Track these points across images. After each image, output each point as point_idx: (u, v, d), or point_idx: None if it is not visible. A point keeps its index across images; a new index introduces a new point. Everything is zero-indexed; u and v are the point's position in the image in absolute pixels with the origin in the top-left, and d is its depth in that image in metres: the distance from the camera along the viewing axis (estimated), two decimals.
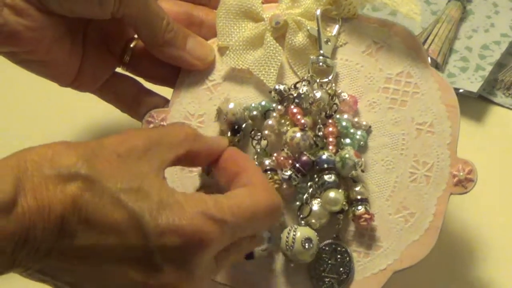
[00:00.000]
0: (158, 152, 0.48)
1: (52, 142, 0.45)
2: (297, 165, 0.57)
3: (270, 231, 0.57)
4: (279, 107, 0.58)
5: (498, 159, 0.75)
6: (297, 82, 0.59)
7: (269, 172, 0.57)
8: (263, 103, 0.59)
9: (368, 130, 0.59)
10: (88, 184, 0.43)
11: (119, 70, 0.65)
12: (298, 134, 0.57)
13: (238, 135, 0.58)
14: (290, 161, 0.57)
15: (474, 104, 0.78)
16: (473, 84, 0.78)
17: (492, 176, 0.73)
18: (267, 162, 0.57)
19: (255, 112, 0.59)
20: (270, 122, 0.58)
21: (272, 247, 0.58)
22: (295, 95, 0.58)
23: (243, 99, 0.60)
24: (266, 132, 0.58)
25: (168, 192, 0.46)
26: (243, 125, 0.58)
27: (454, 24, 0.82)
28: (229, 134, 0.58)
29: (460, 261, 0.68)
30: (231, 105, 0.58)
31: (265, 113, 0.59)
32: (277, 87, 0.59)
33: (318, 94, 0.57)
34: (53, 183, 0.43)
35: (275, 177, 0.57)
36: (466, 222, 0.70)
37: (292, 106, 0.58)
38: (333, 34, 0.59)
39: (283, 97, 0.58)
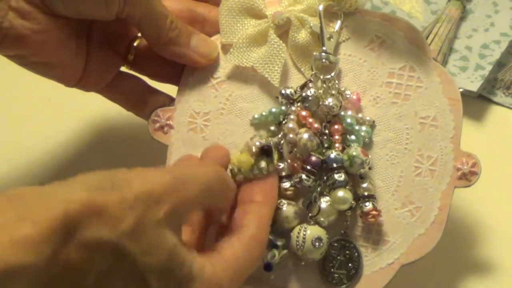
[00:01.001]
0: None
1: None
2: (308, 167, 0.57)
3: (284, 237, 0.58)
4: (293, 108, 0.58)
5: (498, 159, 0.75)
6: (303, 85, 0.59)
7: (284, 180, 0.58)
8: (273, 110, 0.59)
9: (372, 126, 0.59)
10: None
11: (124, 69, 0.65)
12: (306, 135, 0.57)
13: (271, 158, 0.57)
14: (300, 163, 0.58)
15: (474, 103, 0.78)
16: (473, 83, 0.78)
17: (492, 176, 0.73)
18: (281, 166, 0.58)
19: (272, 128, 0.59)
20: (290, 125, 0.58)
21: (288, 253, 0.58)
22: (303, 95, 0.58)
23: (248, 96, 0.60)
24: (291, 135, 0.58)
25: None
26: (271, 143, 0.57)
27: (454, 23, 0.82)
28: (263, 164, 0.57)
29: (460, 261, 0.68)
30: (258, 143, 0.57)
31: (280, 122, 0.59)
32: (283, 92, 0.59)
33: (330, 102, 0.58)
34: None
35: (290, 188, 0.58)
36: (466, 222, 0.70)
37: (300, 109, 0.58)
38: (335, 30, 0.60)
39: (290, 101, 0.59)
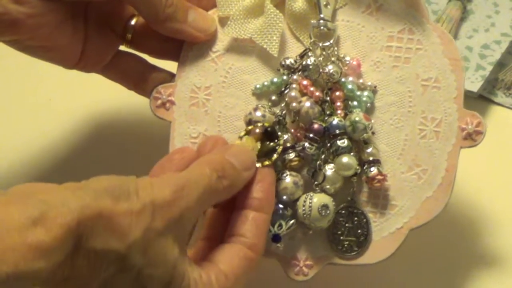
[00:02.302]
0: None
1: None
2: (311, 135, 0.57)
3: (291, 208, 0.58)
4: (295, 77, 0.58)
5: (498, 159, 0.75)
6: (303, 53, 0.59)
7: (290, 150, 0.57)
8: (274, 79, 0.59)
9: (374, 91, 0.59)
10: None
11: (122, 48, 0.65)
12: (307, 104, 0.57)
13: (275, 142, 0.57)
14: (303, 132, 0.58)
15: (474, 103, 0.77)
16: (473, 83, 0.78)
17: (493, 176, 0.73)
18: (285, 137, 0.58)
19: (274, 97, 0.59)
20: (293, 94, 0.58)
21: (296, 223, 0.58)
22: (303, 64, 0.58)
23: (248, 68, 0.60)
24: (294, 104, 0.58)
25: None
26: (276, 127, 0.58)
27: (454, 23, 0.82)
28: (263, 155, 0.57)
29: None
30: (258, 113, 0.58)
31: (282, 91, 0.59)
32: (283, 62, 0.59)
33: (331, 69, 0.58)
34: None
35: (295, 159, 0.57)
36: (467, 222, 0.70)
37: (301, 78, 0.58)
38: None
39: (291, 70, 0.59)
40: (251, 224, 0.52)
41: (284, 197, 0.57)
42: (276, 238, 0.57)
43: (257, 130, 0.56)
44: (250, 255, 0.51)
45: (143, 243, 0.43)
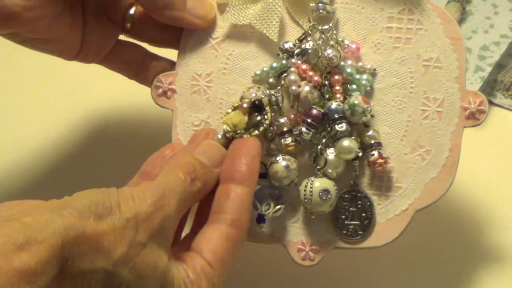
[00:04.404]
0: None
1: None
2: (309, 120, 0.57)
3: (278, 189, 0.58)
4: (293, 60, 0.58)
5: (497, 160, 0.75)
6: (302, 37, 0.59)
7: (287, 135, 0.57)
8: (274, 64, 0.59)
9: (373, 74, 0.58)
10: None
11: (122, 37, 0.64)
12: (306, 88, 0.57)
13: (262, 114, 0.57)
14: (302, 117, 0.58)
15: None
16: (472, 85, 0.78)
17: (492, 177, 0.73)
18: (282, 120, 0.57)
19: (271, 80, 0.59)
20: (292, 77, 0.58)
21: (286, 207, 0.58)
22: (302, 48, 0.58)
23: (248, 53, 0.60)
24: (293, 87, 0.57)
25: None
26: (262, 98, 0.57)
27: None
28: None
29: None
30: (252, 93, 0.58)
31: (280, 75, 0.59)
32: (282, 46, 0.59)
33: (330, 53, 0.57)
34: None
35: (291, 143, 0.57)
36: (467, 221, 0.70)
37: (300, 62, 0.58)
38: None
39: (291, 54, 0.58)
40: (233, 199, 0.52)
41: (273, 181, 0.57)
42: (260, 218, 0.57)
43: (244, 105, 0.56)
44: (233, 233, 0.51)
45: (129, 258, 0.44)
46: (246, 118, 0.56)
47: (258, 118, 0.56)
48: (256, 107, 0.56)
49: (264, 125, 0.56)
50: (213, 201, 0.53)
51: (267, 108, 0.56)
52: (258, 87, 0.58)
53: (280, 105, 0.58)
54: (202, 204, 0.56)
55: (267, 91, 0.58)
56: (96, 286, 0.42)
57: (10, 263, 0.39)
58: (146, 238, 0.45)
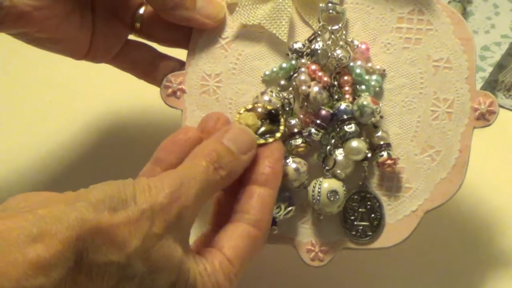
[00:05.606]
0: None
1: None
2: (318, 121, 0.57)
3: (288, 191, 0.58)
4: (303, 60, 0.58)
5: (498, 161, 0.75)
6: (312, 37, 0.59)
7: (297, 136, 0.57)
8: (284, 65, 0.59)
9: (382, 74, 0.58)
10: None
11: (132, 37, 0.64)
12: (315, 89, 0.57)
13: (278, 124, 0.57)
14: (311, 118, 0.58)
15: None
16: None
17: (493, 178, 0.73)
18: (293, 122, 0.57)
19: (282, 82, 0.58)
20: (302, 77, 0.58)
21: (296, 208, 0.58)
22: (312, 49, 0.58)
23: (258, 54, 0.60)
24: (304, 87, 0.57)
25: None
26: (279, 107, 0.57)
27: None
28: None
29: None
30: (266, 98, 0.58)
31: (290, 76, 0.58)
32: (292, 47, 0.58)
33: (339, 53, 0.57)
34: None
35: (301, 145, 0.57)
36: (467, 222, 0.70)
37: (309, 63, 0.58)
38: None
39: (300, 54, 0.58)
40: (256, 200, 0.52)
41: (282, 183, 0.56)
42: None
43: (259, 109, 0.56)
44: (255, 233, 0.51)
45: (144, 250, 0.44)
46: (259, 123, 0.56)
47: (271, 126, 0.56)
48: (272, 115, 0.56)
49: (280, 132, 0.56)
50: (236, 201, 0.53)
51: (282, 120, 0.56)
52: (271, 91, 0.58)
53: (292, 106, 0.58)
54: (223, 204, 0.56)
55: (281, 95, 0.57)
56: (111, 278, 0.42)
57: (25, 255, 0.39)
58: (162, 229, 0.45)
